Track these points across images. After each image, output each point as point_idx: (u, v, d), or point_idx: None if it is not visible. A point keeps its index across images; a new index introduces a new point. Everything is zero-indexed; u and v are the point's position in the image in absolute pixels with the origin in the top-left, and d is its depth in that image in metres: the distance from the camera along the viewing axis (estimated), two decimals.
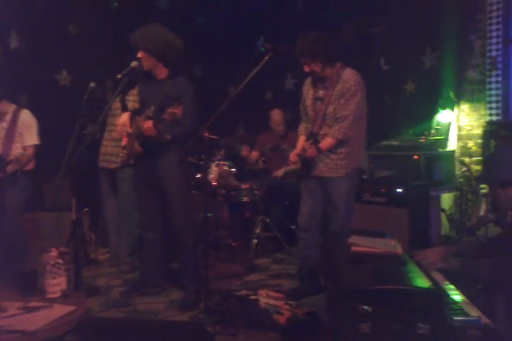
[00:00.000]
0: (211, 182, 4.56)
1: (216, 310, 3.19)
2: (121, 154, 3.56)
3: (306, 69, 3.32)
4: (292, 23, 5.62)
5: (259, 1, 5.97)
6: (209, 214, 4.82)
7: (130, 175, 4.05)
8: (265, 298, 3.26)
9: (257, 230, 4.75)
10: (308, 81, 3.54)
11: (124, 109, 3.96)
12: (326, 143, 3.30)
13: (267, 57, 3.16)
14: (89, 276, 3.98)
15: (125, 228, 4.31)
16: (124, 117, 3.44)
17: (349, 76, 3.30)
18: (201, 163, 4.49)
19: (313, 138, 3.33)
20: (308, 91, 3.51)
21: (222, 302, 3.22)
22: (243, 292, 3.41)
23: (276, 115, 5.25)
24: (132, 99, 4.08)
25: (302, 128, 3.62)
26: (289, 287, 3.74)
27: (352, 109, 3.26)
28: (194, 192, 4.72)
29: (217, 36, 6.15)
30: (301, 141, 3.53)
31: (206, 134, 3.10)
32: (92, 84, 3.84)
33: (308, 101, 3.47)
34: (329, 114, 3.33)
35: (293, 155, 3.45)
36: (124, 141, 3.49)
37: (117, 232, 4.39)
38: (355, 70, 3.35)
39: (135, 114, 3.48)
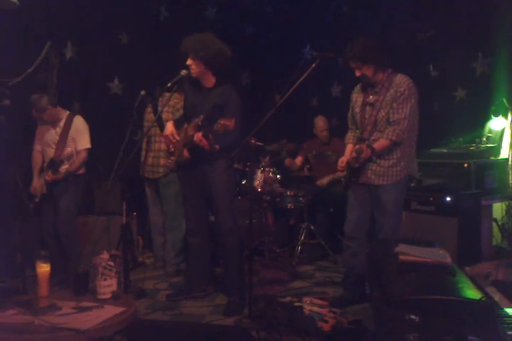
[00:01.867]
0: (256, 189, 4.59)
1: (260, 315, 3.20)
2: (169, 161, 3.64)
3: (358, 73, 3.30)
4: (338, 30, 5.61)
5: (305, 9, 5.98)
6: (254, 220, 4.88)
7: (175, 180, 4.14)
8: (309, 305, 3.26)
9: (302, 237, 4.74)
10: (357, 88, 3.51)
11: (158, 119, 4.03)
12: (380, 144, 3.25)
13: (314, 65, 3.17)
14: (136, 279, 4.06)
15: (170, 232, 4.39)
16: (170, 127, 3.50)
17: (402, 80, 3.26)
18: (247, 169, 4.53)
19: (364, 143, 3.30)
20: (357, 98, 3.47)
21: (267, 308, 3.23)
22: (288, 298, 3.41)
23: (321, 121, 5.25)
24: (170, 110, 4.17)
25: (350, 136, 3.59)
26: (333, 295, 3.71)
27: (407, 113, 3.22)
28: (239, 198, 4.78)
29: (265, 45, 6.21)
30: (349, 149, 3.51)
31: (253, 141, 3.13)
32: (143, 92, 3.98)
33: (358, 108, 3.44)
34: (380, 119, 3.30)
35: (341, 162, 3.44)
36: (172, 148, 3.57)
37: (162, 235, 4.48)
38: (406, 76, 3.31)
39: (182, 121, 3.55)
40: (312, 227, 4.79)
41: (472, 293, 1.93)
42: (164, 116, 4.10)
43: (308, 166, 5.12)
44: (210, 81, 3.47)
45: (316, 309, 3.21)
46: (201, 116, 3.25)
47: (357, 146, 3.24)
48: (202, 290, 3.75)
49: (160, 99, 4.23)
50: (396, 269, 2.21)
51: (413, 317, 1.81)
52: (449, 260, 2.27)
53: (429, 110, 4.63)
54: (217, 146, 3.27)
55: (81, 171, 4.04)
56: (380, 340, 1.98)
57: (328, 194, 4.91)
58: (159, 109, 4.08)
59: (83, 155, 3.99)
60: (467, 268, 2.44)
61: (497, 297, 2.12)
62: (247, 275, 3.32)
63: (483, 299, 1.86)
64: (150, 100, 4.34)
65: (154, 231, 4.58)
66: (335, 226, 4.63)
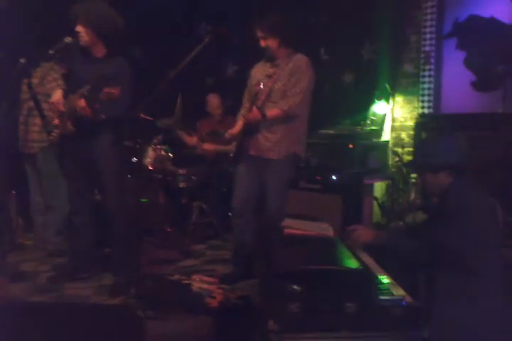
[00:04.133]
0: (147, 167, 4.47)
1: (147, 294, 3.14)
2: (53, 134, 3.41)
3: (263, 43, 3.33)
4: (239, 11, 5.55)
5: None
6: (144, 200, 4.76)
7: (54, 157, 3.90)
8: (198, 283, 3.25)
9: (193, 216, 4.70)
10: (257, 64, 3.56)
11: (32, 93, 3.77)
12: (272, 112, 3.29)
13: (206, 39, 3.12)
14: (15, 262, 3.81)
15: (50, 210, 4.14)
16: (57, 95, 3.28)
17: (300, 58, 3.36)
18: (137, 146, 4.38)
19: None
20: (256, 73, 3.51)
21: (154, 287, 3.18)
22: (176, 276, 3.39)
23: (214, 99, 5.22)
24: (37, 81, 3.91)
25: (243, 112, 3.60)
26: (223, 272, 3.73)
27: (302, 88, 3.29)
28: (129, 176, 4.62)
29: (159, 20, 6.01)
30: (239, 124, 3.50)
31: (142, 115, 3.03)
32: (23, 60, 3.66)
33: (255, 81, 3.45)
34: (276, 90, 3.34)
35: (230, 132, 3.43)
36: (56, 120, 3.34)
37: (43, 215, 4.21)
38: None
39: (68, 92, 3.34)
40: (204, 206, 4.77)
41: (351, 263, 2.02)
42: (41, 90, 3.82)
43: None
44: (100, 51, 3.30)
45: (204, 286, 3.21)
46: (87, 86, 3.07)
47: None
48: (86, 271, 3.59)
49: (36, 69, 3.93)
50: (281, 242, 2.26)
51: (295, 287, 1.86)
52: (331, 233, 2.36)
53: (318, 93, 4.77)
54: (102, 116, 3.12)
55: None
56: (265, 312, 2.02)
57: (221, 173, 4.91)
58: (33, 80, 3.80)
59: None
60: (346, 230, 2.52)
61: (373, 265, 2.24)
62: (135, 255, 3.23)
63: (360, 268, 1.95)
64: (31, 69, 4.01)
65: (34, 211, 4.29)
66: (227, 205, 4.65)
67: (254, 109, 3.23)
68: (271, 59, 3.42)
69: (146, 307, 2.95)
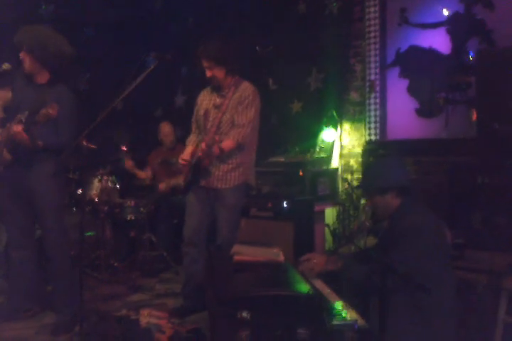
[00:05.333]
0: (92, 199, 4.31)
1: (92, 332, 2.97)
2: None
3: (209, 74, 3.31)
4: (183, 41, 5.60)
5: (150, 17, 5.90)
6: (90, 233, 4.57)
7: None
8: (147, 318, 3.10)
9: (143, 249, 4.54)
10: (203, 91, 3.54)
11: None
12: (227, 143, 3.24)
13: (153, 66, 3.08)
14: None
15: None
16: None
17: (247, 86, 3.36)
18: (81, 177, 4.23)
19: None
20: (202, 101, 3.48)
21: (99, 324, 3.01)
22: (123, 312, 3.22)
23: (166, 126, 5.20)
24: None
25: (192, 139, 3.56)
26: (174, 306, 3.58)
27: (251, 117, 3.29)
28: (74, 209, 4.45)
29: (105, 51, 5.97)
30: (188, 150, 3.45)
31: (84, 142, 2.92)
32: None
33: (202, 111, 3.43)
34: (225, 121, 3.32)
35: (183, 157, 3.37)
36: None
37: None
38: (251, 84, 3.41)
39: (5, 120, 3.20)
40: (154, 239, 4.63)
41: (300, 287, 1.96)
42: None
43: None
44: (43, 77, 3.21)
45: (153, 321, 3.07)
46: (26, 112, 2.95)
47: (206, 139, 3.17)
48: (27, 310, 3.36)
49: None
50: (230, 269, 2.18)
51: (245, 314, 1.78)
52: (281, 258, 2.30)
53: (267, 121, 4.82)
54: (40, 142, 2.99)
55: None
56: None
57: (171, 204, 4.80)
58: None
59: None
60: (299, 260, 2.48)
61: (326, 291, 2.19)
62: (79, 291, 3.06)
63: (310, 292, 1.89)
64: None
65: None
66: (178, 237, 4.52)
67: (215, 146, 3.14)
68: (218, 89, 3.40)
69: None
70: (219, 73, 3.31)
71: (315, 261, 2.29)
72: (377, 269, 2.12)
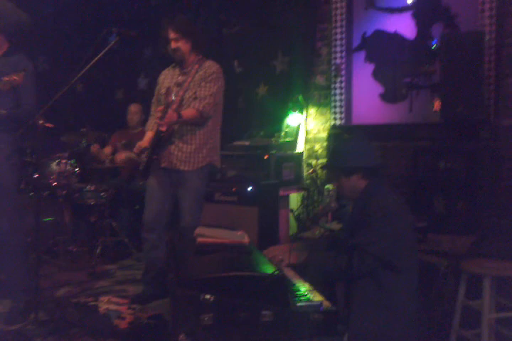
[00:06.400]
0: (50, 183, 4.14)
1: (49, 319, 2.87)
2: None
3: (174, 45, 3.22)
4: (146, 20, 5.42)
5: None
6: (47, 218, 4.41)
7: None
8: (106, 304, 3.02)
9: (103, 235, 4.41)
10: (164, 71, 3.46)
11: None
12: (187, 112, 3.17)
13: (113, 42, 2.98)
14: None
15: None
16: None
17: (211, 64, 3.30)
18: (38, 160, 4.06)
19: None
20: (164, 80, 3.39)
21: (56, 311, 2.90)
22: (81, 299, 3.12)
23: (135, 106, 5.06)
24: None
25: (151, 123, 3.45)
26: (135, 292, 3.49)
27: (213, 91, 3.21)
28: (31, 194, 4.27)
29: (65, 29, 5.75)
30: (149, 135, 3.37)
31: (41, 121, 2.78)
32: None
33: (164, 90, 3.33)
34: (187, 99, 3.23)
35: (139, 144, 3.30)
36: None
37: None
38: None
39: None
40: (114, 224, 4.50)
41: (265, 268, 1.91)
42: None
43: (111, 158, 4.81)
44: (1, 47, 3.09)
45: (113, 307, 2.99)
46: None
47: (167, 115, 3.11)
48: None
49: None
50: (192, 251, 2.11)
51: (207, 296, 1.71)
52: (246, 240, 2.24)
53: (233, 105, 4.73)
54: (3, 111, 2.89)
55: None
56: (176, 325, 1.85)
57: (133, 189, 4.67)
58: None
59: None
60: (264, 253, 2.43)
61: (291, 274, 2.14)
62: (34, 278, 2.93)
63: (276, 273, 1.84)
64: None
65: None
66: (139, 223, 4.41)
67: (170, 111, 3.10)
68: (181, 63, 3.31)
69: (47, 333, 2.69)
70: (184, 46, 3.24)
71: (280, 257, 2.21)
72: (345, 251, 2.09)
